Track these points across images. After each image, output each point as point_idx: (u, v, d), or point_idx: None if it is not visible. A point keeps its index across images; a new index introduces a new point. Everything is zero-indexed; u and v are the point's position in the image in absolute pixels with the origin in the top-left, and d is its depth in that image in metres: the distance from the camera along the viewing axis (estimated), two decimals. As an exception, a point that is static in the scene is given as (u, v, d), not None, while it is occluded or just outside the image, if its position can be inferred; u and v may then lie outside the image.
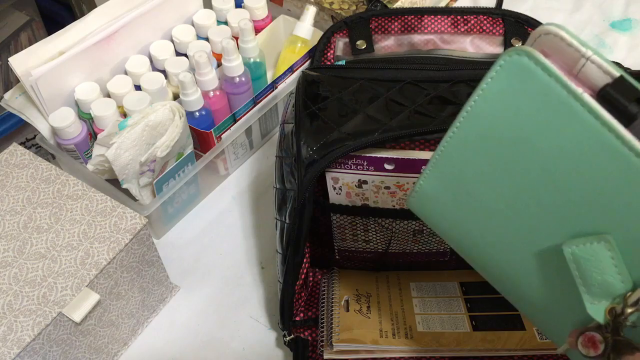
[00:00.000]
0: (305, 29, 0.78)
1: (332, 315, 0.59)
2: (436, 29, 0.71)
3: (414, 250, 0.60)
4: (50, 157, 0.72)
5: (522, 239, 0.33)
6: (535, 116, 0.29)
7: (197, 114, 0.67)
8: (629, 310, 0.28)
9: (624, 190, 0.27)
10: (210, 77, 0.67)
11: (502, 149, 0.31)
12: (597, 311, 0.29)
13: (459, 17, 0.71)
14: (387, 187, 0.53)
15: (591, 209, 0.29)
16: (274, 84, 0.73)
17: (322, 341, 0.58)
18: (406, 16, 0.71)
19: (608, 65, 0.27)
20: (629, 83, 0.27)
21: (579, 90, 0.28)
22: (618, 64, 0.53)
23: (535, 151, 0.30)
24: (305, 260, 0.55)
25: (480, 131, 0.32)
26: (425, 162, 0.51)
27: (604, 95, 0.27)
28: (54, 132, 0.65)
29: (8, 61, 0.60)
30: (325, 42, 0.72)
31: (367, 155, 0.50)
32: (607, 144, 0.27)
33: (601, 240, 0.29)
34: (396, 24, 0.71)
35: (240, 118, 0.70)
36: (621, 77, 0.27)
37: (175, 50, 0.73)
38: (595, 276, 0.29)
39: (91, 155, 0.63)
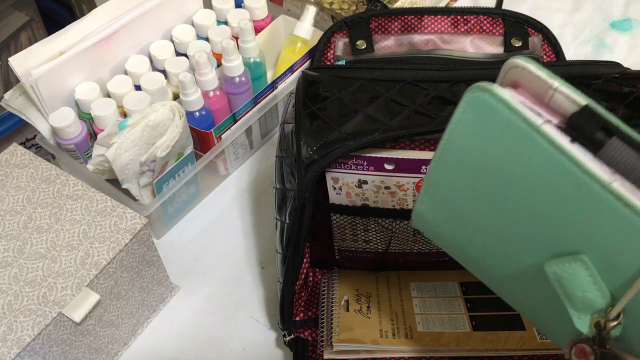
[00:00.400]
0: (305, 29, 0.78)
1: (332, 315, 0.59)
2: (436, 29, 0.71)
3: (414, 250, 0.60)
4: (50, 157, 0.72)
5: (511, 258, 0.34)
6: (502, 148, 0.30)
7: (197, 114, 0.67)
8: (611, 325, 0.30)
9: (590, 215, 0.28)
10: (210, 77, 0.67)
11: (479, 177, 0.33)
12: (584, 325, 0.31)
13: (459, 17, 0.71)
14: (387, 187, 0.53)
15: (564, 231, 0.30)
16: (274, 84, 0.73)
17: (322, 341, 0.58)
18: (406, 16, 0.71)
19: (575, 95, 0.28)
20: (595, 111, 0.27)
21: (538, 121, 0.28)
22: (618, 64, 0.53)
23: (507, 179, 0.31)
24: (305, 260, 0.55)
25: (457, 161, 0.33)
26: (425, 162, 0.51)
27: (572, 124, 0.28)
28: (54, 132, 0.65)
29: (8, 61, 0.60)
30: (325, 42, 0.72)
31: (367, 155, 0.50)
32: (569, 173, 0.28)
33: (577, 260, 0.30)
34: (396, 24, 0.71)
35: (240, 118, 0.70)
36: (586, 106, 0.28)
37: (175, 50, 0.73)
38: (577, 293, 0.30)
39: (91, 155, 0.63)
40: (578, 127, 0.28)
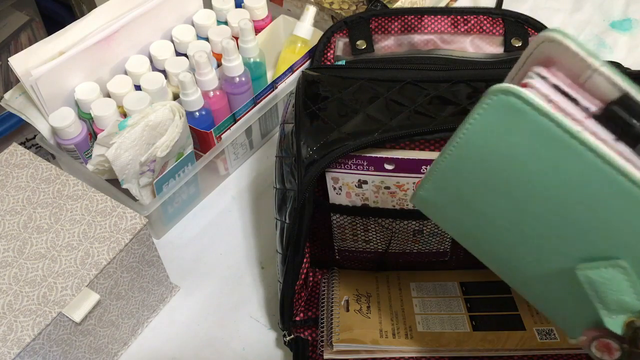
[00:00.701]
0: (305, 29, 0.78)
1: (332, 315, 0.59)
2: (436, 29, 0.71)
3: (414, 250, 0.60)
4: (50, 157, 0.72)
5: (530, 255, 0.32)
6: (531, 152, 0.29)
7: (197, 114, 0.67)
8: None
9: (631, 219, 0.27)
10: (210, 77, 0.67)
11: (499, 179, 0.31)
12: (615, 325, 0.29)
13: (459, 17, 0.71)
14: (387, 187, 0.53)
15: (600, 236, 0.29)
16: (274, 84, 0.73)
17: (322, 341, 0.58)
18: (406, 16, 0.71)
19: (616, 78, 0.26)
20: (634, 100, 0.26)
21: (576, 128, 0.27)
22: (618, 65, 0.53)
23: (535, 183, 0.29)
24: (305, 260, 0.55)
25: (472, 162, 0.31)
26: (425, 162, 0.51)
27: (609, 114, 0.26)
28: (54, 132, 0.65)
29: (8, 61, 0.60)
30: (325, 42, 0.72)
31: (367, 155, 0.50)
32: (611, 180, 0.26)
33: (616, 266, 0.28)
34: (396, 24, 0.71)
35: (240, 118, 0.70)
36: (627, 94, 0.26)
37: (175, 50, 0.73)
38: (611, 296, 0.29)
39: (91, 155, 0.63)
40: (615, 117, 0.26)
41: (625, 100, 0.26)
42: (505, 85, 0.28)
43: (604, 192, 0.27)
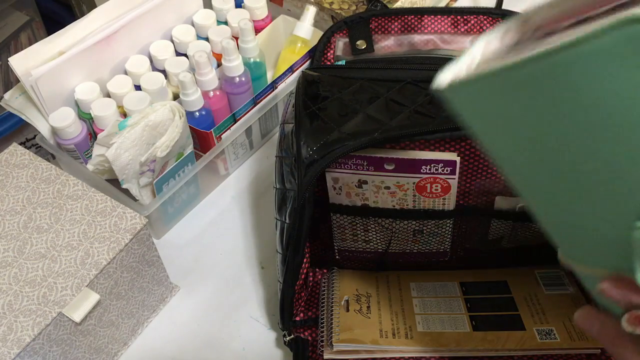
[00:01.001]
0: (305, 29, 0.78)
1: (332, 315, 0.59)
2: (436, 29, 0.71)
3: (414, 250, 0.60)
4: (50, 157, 0.72)
5: (582, 200, 0.29)
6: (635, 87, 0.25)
7: (197, 114, 0.67)
8: None
9: None
10: (210, 77, 0.67)
11: (580, 111, 0.27)
12: None
13: (459, 17, 0.71)
14: (387, 187, 0.53)
15: None
16: (274, 84, 0.73)
17: (322, 341, 0.58)
18: (406, 16, 0.71)
19: None
20: None
21: None
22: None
23: (628, 124, 0.26)
24: (305, 260, 0.55)
25: (558, 85, 0.27)
26: (425, 162, 0.51)
27: None
28: (54, 132, 0.65)
29: (8, 61, 0.60)
30: (325, 42, 0.72)
31: (367, 155, 0.50)
32: None
33: None
34: (396, 24, 0.71)
35: (240, 118, 0.70)
36: None
37: (175, 50, 0.73)
38: None
39: (91, 155, 0.63)
40: None
41: None
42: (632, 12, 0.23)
43: None
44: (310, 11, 0.78)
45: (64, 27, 0.64)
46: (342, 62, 0.71)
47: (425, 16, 0.71)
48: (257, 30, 0.79)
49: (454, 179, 0.52)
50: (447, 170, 0.51)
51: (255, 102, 0.71)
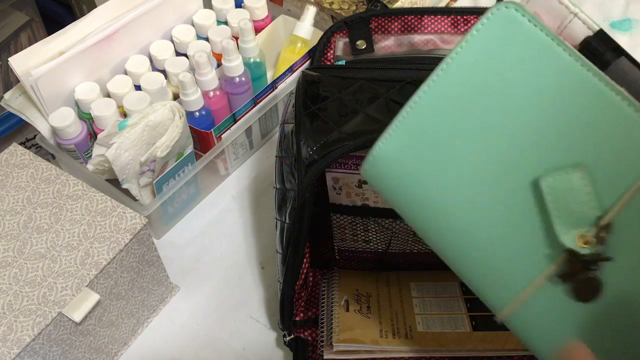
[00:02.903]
0: (305, 29, 0.78)
1: (332, 315, 0.59)
2: (436, 29, 0.71)
3: (414, 250, 0.60)
4: (50, 157, 0.72)
5: (493, 182, 0.35)
6: (519, 61, 0.33)
7: (197, 114, 0.67)
8: (602, 235, 0.32)
9: (600, 122, 0.31)
10: (210, 77, 0.67)
11: (481, 96, 0.34)
12: (569, 239, 0.32)
13: (459, 17, 0.71)
14: (387, 187, 0.53)
15: (567, 142, 0.32)
16: (274, 84, 0.73)
17: (322, 341, 0.58)
18: (406, 16, 0.71)
19: (592, 22, 0.33)
20: (607, 35, 0.33)
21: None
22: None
23: (516, 94, 0.33)
24: (305, 260, 0.55)
25: (460, 80, 0.35)
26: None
27: (585, 45, 0.33)
28: (54, 132, 0.65)
29: (8, 61, 0.60)
30: (325, 42, 0.72)
31: (367, 155, 0.50)
32: (587, 82, 0.31)
33: (576, 169, 0.32)
34: (396, 24, 0.71)
35: (240, 118, 0.70)
36: (601, 30, 0.33)
37: (175, 50, 0.73)
38: (571, 206, 0.32)
39: (91, 155, 0.63)
40: (590, 48, 0.33)
41: (599, 34, 0.33)
42: (503, 1, 0.33)
43: (579, 94, 0.32)
44: (310, 11, 0.78)
45: (64, 27, 0.64)
46: (342, 62, 0.71)
47: (425, 16, 0.71)
48: (257, 30, 0.79)
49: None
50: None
51: (255, 102, 0.71)
